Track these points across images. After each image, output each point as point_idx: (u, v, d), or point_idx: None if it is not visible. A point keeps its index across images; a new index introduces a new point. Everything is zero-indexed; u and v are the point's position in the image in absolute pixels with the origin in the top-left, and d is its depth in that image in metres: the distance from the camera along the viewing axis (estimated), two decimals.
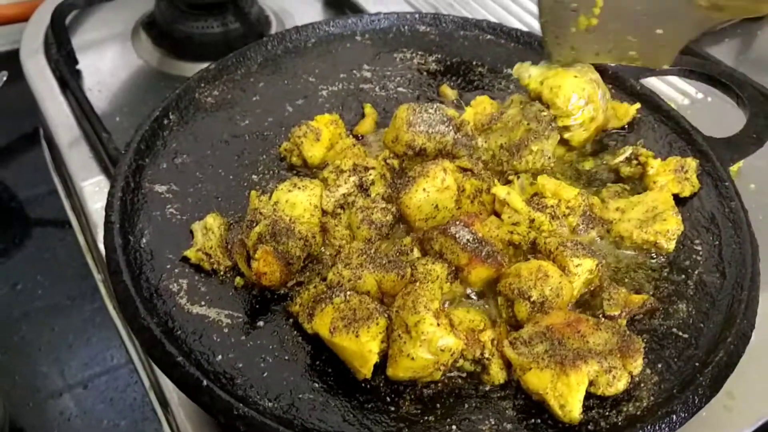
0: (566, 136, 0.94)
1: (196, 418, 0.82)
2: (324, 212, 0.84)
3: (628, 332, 0.70)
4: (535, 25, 1.41)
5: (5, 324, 1.14)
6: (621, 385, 0.67)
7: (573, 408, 0.65)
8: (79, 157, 1.13)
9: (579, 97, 0.92)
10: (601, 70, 1.06)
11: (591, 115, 0.93)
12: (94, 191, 1.06)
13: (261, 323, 0.75)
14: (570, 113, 0.93)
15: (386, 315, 0.71)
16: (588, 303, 0.78)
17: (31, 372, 1.08)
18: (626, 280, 0.81)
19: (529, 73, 0.97)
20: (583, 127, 0.94)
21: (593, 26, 0.87)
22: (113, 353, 1.10)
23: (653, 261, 0.83)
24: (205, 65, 1.18)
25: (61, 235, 1.30)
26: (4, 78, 1.30)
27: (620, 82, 1.05)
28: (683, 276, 0.81)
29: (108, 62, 1.33)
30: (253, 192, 0.82)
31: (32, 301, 1.17)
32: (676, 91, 1.30)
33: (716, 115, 1.24)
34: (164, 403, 0.94)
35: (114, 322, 1.12)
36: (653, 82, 1.27)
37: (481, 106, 0.97)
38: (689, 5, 0.79)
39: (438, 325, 0.68)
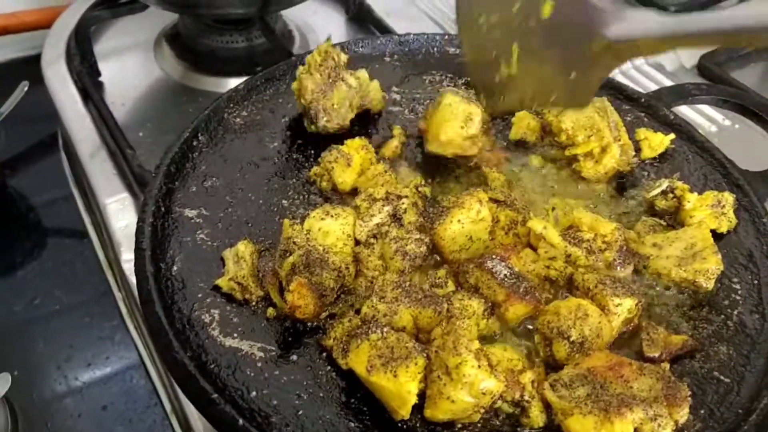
0: (575, 166, 0.94)
1: None
2: (357, 242, 0.83)
3: (672, 378, 0.68)
4: None
5: (23, 340, 1.12)
6: None
7: None
8: (101, 172, 1.12)
9: (582, 125, 0.92)
10: (633, 98, 1.06)
11: (600, 145, 0.92)
12: (118, 209, 1.05)
13: (294, 357, 0.73)
14: (575, 141, 0.93)
15: (425, 354, 0.69)
16: (626, 343, 0.77)
17: (49, 390, 1.07)
18: (663, 319, 0.80)
19: (549, 110, 0.98)
20: (594, 158, 0.93)
21: (513, 75, 0.87)
22: (132, 373, 1.08)
23: (691, 299, 0.81)
24: (228, 80, 1.18)
25: (79, 247, 1.28)
26: (25, 88, 1.29)
27: (653, 111, 1.04)
28: (722, 316, 0.79)
29: (130, 74, 1.31)
30: (286, 220, 0.81)
31: (50, 317, 1.15)
32: (703, 117, 1.29)
33: (745, 143, 1.22)
34: (187, 429, 0.93)
35: (133, 340, 1.10)
36: (681, 109, 1.26)
37: (524, 121, 0.96)
38: (589, 53, 0.79)
39: (479, 366, 0.66)
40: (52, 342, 1.13)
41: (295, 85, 0.97)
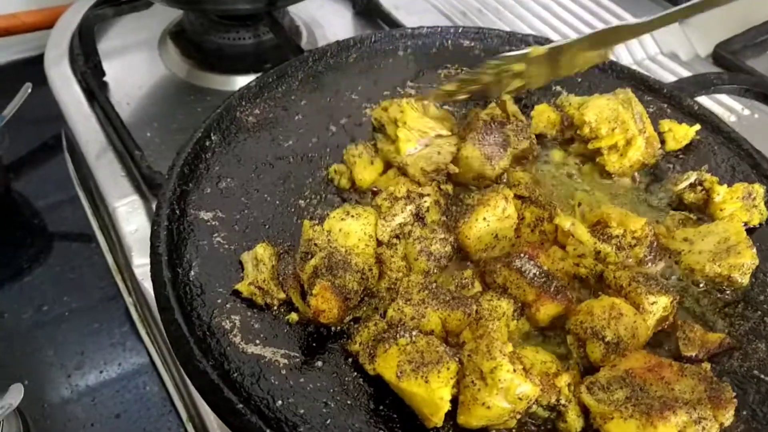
0: (599, 160, 0.91)
1: None
2: (379, 242, 0.80)
3: (715, 379, 0.66)
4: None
5: (32, 347, 1.10)
6: None
7: None
8: (109, 174, 1.09)
9: (606, 117, 0.89)
10: (655, 89, 1.03)
11: (624, 138, 0.89)
12: (128, 212, 1.02)
13: (319, 363, 0.71)
14: (599, 134, 0.90)
15: (456, 358, 0.67)
16: (661, 342, 0.74)
17: (61, 400, 1.04)
18: (697, 316, 0.77)
19: (570, 102, 0.96)
20: (619, 151, 0.90)
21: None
22: (145, 380, 1.05)
23: (725, 295, 0.79)
24: (236, 78, 1.15)
25: (86, 252, 1.25)
26: (29, 90, 1.26)
27: (676, 101, 1.01)
28: (759, 312, 0.77)
29: (135, 73, 1.28)
30: (306, 222, 0.78)
31: (59, 324, 1.13)
32: (722, 107, 1.26)
33: (765, 131, 1.20)
34: None
35: (145, 346, 1.08)
36: (700, 99, 1.23)
37: (544, 115, 0.93)
38: None
39: (515, 371, 0.64)
40: (62, 349, 1.11)
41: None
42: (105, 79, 1.25)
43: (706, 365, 0.69)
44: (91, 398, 1.03)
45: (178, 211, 0.81)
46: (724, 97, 1.27)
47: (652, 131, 0.92)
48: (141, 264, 0.96)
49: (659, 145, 0.92)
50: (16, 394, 0.87)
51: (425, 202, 0.83)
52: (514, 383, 0.63)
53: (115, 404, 1.03)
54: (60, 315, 1.14)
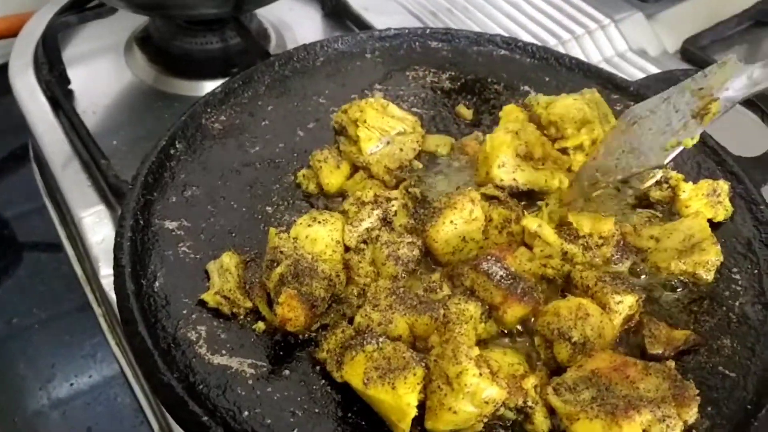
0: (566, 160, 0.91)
1: None
2: (346, 248, 0.80)
3: (679, 377, 0.66)
4: (547, 39, 1.38)
5: (3, 360, 1.08)
6: None
7: None
8: (74, 184, 1.07)
9: (572, 117, 0.89)
10: (622, 87, 1.03)
11: (590, 138, 0.89)
12: (94, 222, 1.01)
13: (286, 372, 0.70)
14: (565, 134, 0.90)
15: (423, 364, 0.66)
16: (627, 340, 0.74)
17: (31, 412, 1.03)
18: (663, 313, 0.78)
19: (537, 101, 0.96)
20: (585, 151, 0.90)
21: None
22: (116, 391, 1.04)
23: (691, 292, 0.79)
24: (204, 83, 1.14)
25: (54, 262, 1.24)
26: None
27: (642, 99, 1.01)
28: (724, 308, 0.78)
29: (101, 80, 1.27)
30: (272, 229, 0.78)
31: (30, 336, 1.11)
32: None
33: (735, 130, 1.19)
34: None
35: (116, 357, 1.06)
36: None
37: (512, 115, 0.94)
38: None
39: (480, 375, 0.64)
40: (32, 362, 1.09)
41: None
42: (71, 87, 1.23)
43: (671, 363, 0.69)
44: (62, 411, 1.02)
45: (142, 222, 0.80)
46: None
47: None
48: (108, 275, 0.94)
49: None
50: None
51: (392, 206, 0.83)
52: (480, 387, 0.63)
53: (86, 416, 1.02)
54: (30, 327, 1.13)
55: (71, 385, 1.05)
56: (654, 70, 1.31)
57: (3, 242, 1.29)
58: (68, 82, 1.22)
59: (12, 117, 1.28)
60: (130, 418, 1.01)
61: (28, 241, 1.30)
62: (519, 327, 0.75)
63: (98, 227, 0.99)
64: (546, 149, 0.87)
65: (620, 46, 1.40)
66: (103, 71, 1.29)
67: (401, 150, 0.87)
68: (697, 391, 0.65)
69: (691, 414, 0.64)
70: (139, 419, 1.00)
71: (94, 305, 1.10)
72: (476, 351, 0.66)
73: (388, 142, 0.88)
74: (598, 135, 0.88)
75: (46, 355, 1.09)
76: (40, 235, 1.29)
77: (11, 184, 1.44)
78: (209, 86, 1.06)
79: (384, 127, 0.88)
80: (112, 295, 0.94)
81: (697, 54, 1.39)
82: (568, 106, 0.89)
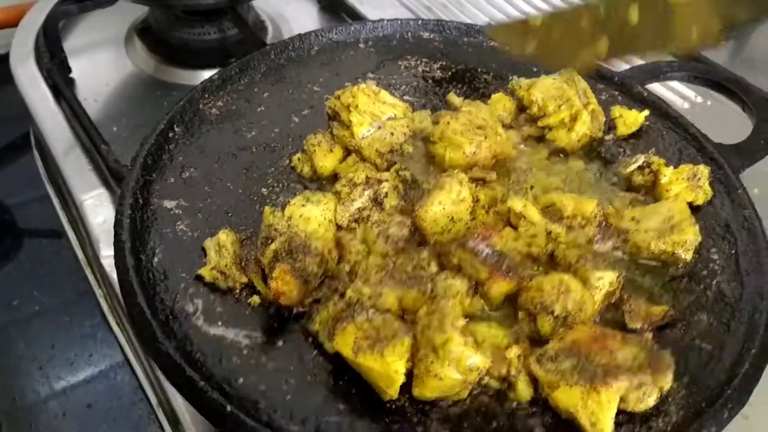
0: (550, 137, 0.95)
1: None
2: (338, 227, 0.83)
3: (656, 347, 0.69)
4: None
5: (2, 342, 1.11)
6: (651, 401, 0.67)
7: (604, 426, 0.65)
8: (76, 169, 1.10)
9: (552, 95, 0.93)
10: (607, 77, 1.07)
11: (570, 113, 0.94)
12: (95, 205, 1.03)
13: (280, 343, 0.73)
14: (546, 112, 0.95)
15: (411, 333, 0.69)
16: (609, 316, 0.77)
17: (32, 391, 1.05)
18: (644, 291, 0.81)
19: (520, 85, 1.00)
20: (567, 126, 0.94)
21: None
22: (116, 370, 1.07)
23: (670, 271, 0.82)
24: (202, 72, 1.17)
25: (55, 247, 1.26)
26: None
27: (627, 89, 1.05)
28: (702, 286, 0.81)
29: (101, 70, 1.29)
30: (267, 208, 0.81)
31: (30, 318, 1.14)
32: (675, 95, 1.30)
33: (717, 119, 1.24)
34: (174, 422, 0.92)
35: (116, 337, 1.09)
36: (653, 86, 1.27)
37: (500, 103, 0.97)
38: None
39: (465, 343, 0.67)
40: (33, 343, 1.12)
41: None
42: (72, 76, 1.26)
43: (648, 335, 0.72)
44: (62, 389, 1.05)
45: (141, 200, 0.83)
46: (678, 85, 1.31)
47: (597, 105, 0.96)
48: (108, 255, 0.97)
49: (604, 118, 0.97)
50: None
51: (383, 188, 0.85)
52: (464, 355, 0.66)
53: (86, 394, 1.04)
54: (30, 309, 1.15)
55: (71, 364, 1.08)
56: (640, 62, 1.34)
57: (4, 228, 1.31)
58: (69, 70, 1.24)
59: (13, 107, 1.31)
60: (129, 396, 1.03)
61: (29, 227, 1.33)
62: (503, 303, 0.78)
63: (99, 209, 1.02)
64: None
65: None
66: (103, 61, 1.32)
67: (392, 134, 0.90)
68: (673, 360, 0.68)
69: (667, 381, 0.67)
70: (139, 396, 1.03)
71: (95, 287, 1.13)
72: (462, 321, 0.69)
73: (380, 127, 0.91)
74: (578, 110, 0.92)
75: (47, 337, 1.12)
76: (42, 222, 1.32)
77: (13, 173, 1.46)
78: (207, 76, 1.08)
79: (375, 112, 0.91)
80: (113, 276, 0.97)
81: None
82: (547, 85, 0.93)
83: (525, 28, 0.78)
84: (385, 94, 0.94)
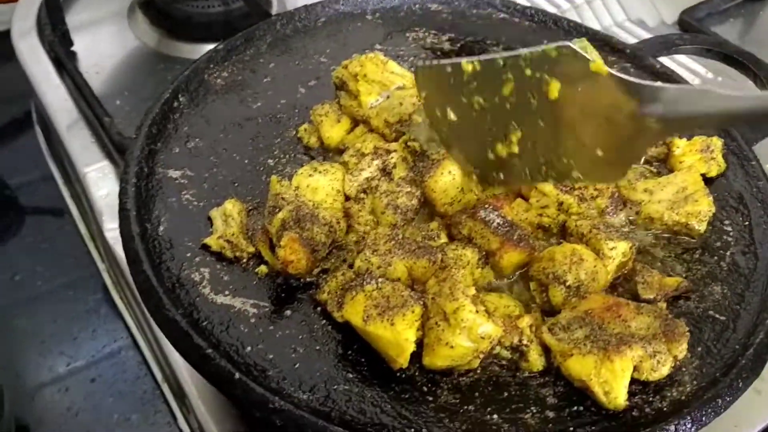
0: None
1: (217, 411, 0.80)
2: (347, 197, 0.82)
3: (670, 316, 0.68)
4: (543, 5, 1.40)
5: (5, 316, 1.09)
6: (665, 370, 0.66)
7: (618, 394, 0.64)
8: (79, 142, 1.08)
9: None
10: (618, 49, 1.05)
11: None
12: (98, 177, 1.02)
13: (288, 312, 0.72)
14: None
15: (421, 302, 0.68)
16: (621, 287, 0.76)
17: (35, 366, 1.04)
18: (657, 262, 0.79)
19: None
20: None
21: (516, 153, 0.72)
22: (120, 344, 1.06)
23: (684, 243, 0.81)
24: (206, 46, 1.15)
25: (58, 223, 1.25)
26: None
27: (639, 61, 1.03)
28: (715, 257, 0.80)
29: (104, 43, 1.28)
30: (273, 177, 0.79)
31: (33, 293, 1.12)
32: (687, 71, 1.28)
33: None
34: (180, 396, 0.92)
35: (120, 312, 1.08)
36: (664, 62, 1.25)
37: None
38: (638, 130, 0.65)
39: (477, 311, 0.66)
40: (36, 319, 1.10)
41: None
42: (74, 49, 1.24)
43: (662, 304, 0.71)
44: (65, 364, 1.04)
45: (146, 170, 0.82)
46: (689, 61, 1.30)
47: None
48: (112, 228, 0.96)
49: None
50: None
51: (392, 158, 0.84)
52: (476, 323, 0.65)
53: (90, 369, 1.03)
54: (33, 285, 1.14)
55: (74, 339, 1.07)
56: (650, 35, 1.32)
57: (6, 204, 1.30)
58: (71, 43, 1.23)
59: (14, 84, 1.29)
60: (134, 370, 1.02)
61: (32, 204, 1.31)
62: (514, 275, 0.77)
63: (102, 182, 1.01)
64: None
65: (619, 16, 1.42)
66: (106, 35, 1.30)
67: (401, 104, 0.89)
68: (687, 328, 0.67)
69: (681, 350, 0.66)
70: (143, 371, 1.02)
71: (98, 261, 1.12)
72: (473, 290, 0.68)
73: (388, 97, 0.89)
74: None
75: (49, 311, 1.11)
76: (44, 199, 1.30)
77: (14, 151, 1.44)
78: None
79: (384, 82, 0.89)
80: (117, 249, 0.96)
81: (694, 25, 1.40)
82: None
83: (457, 73, 0.71)
84: (393, 64, 0.92)
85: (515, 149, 0.73)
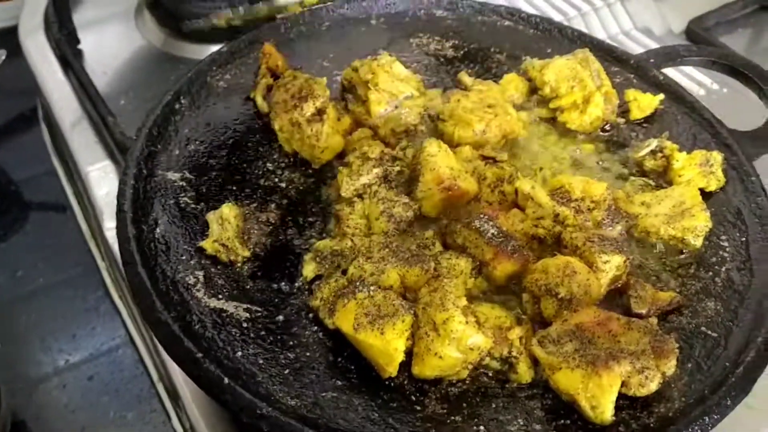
0: (561, 119, 0.94)
1: (209, 413, 0.80)
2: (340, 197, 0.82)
3: (660, 332, 0.68)
4: (550, 12, 1.39)
5: (6, 313, 1.11)
6: (653, 386, 0.65)
7: (605, 409, 0.64)
8: (83, 141, 1.09)
9: (565, 76, 0.92)
10: (622, 59, 1.04)
11: (583, 95, 0.92)
12: (100, 176, 1.03)
13: (280, 318, 0.73)
14: (559, 93, 0.93)
15: (411, 311, 0.68)
16: (614, 300, 0.76)
17: (33, 363, 1.05)
18: (652, 276, 0.79)
19: (533, 66, 0.98)
20: (579, 108, 0.92)
21: None
22: (118, 343, 1.07)
23: (679, 257, 0.81)
24: (211, 47, 1.15)
25: (61, 219, 1.26)
26: (3, 57, 1.26)
27: (643, 72, 1.02)
28: (710, 273, 0.79)
29: (111, 42, 1.29)
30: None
31: (33, 289, 1.14)
32: (692, 81, 1.28)
33: (733, 106, 1.21)
34: (174, 396, 0.92)
35: (119, 310, 1.09)
36: (669, 73, 1.25)
37: (512, 84, 0.95)
38: None
39: (467, 322, 0.66)
40: (35, 315, 1.12)
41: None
42: (81, 47, 1.25)
43: (653, 320, 0.71)
44: (64, 361, 1.05)
45: (145, 171, 0.82)
46: (694, 72, 1.29)
47: (611, 88, 0.94)
48: (112, 227, 0.96)
49: (617, 101, 0.95)
50: None
51: (396, 166, 0.84)
52: (465, 334, 0.65)
53: (87, 367, 1.05)
54: (34, 281, 1.15)
55: (73, 336, 1.08)
56: (655, 46, 1.31)
57: (10, 200, 1.31)
58: (78, 41, 1.24)
59: (21, 80, 1.30)
60: (130, 369, 1.03)
61: (35, 200, 1.33)
62: (507, 286, 0.77)
63: (104, 181, 1.02)
64: None
65: (625, 24, 1.41)
66: (113, 35, 1.31)
67: (408, 115, 0.89)
68: (677, 345, 0.67)
69: (670, 366, 0.66)
70: (140, 370, 1.03)
71: (98, 260, 1.13)
72: (463, 301, 0.68)
73: (396, 107, 0.89)
74: (591, 91, 0.90)
75: (49, 308, 1.12)
76: (47, 195, 1.32)
77: (20, 147, 1.45)
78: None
79: (393, 91, 0.90)
80: (116, 249, 0.96)
81: (701, 34, 1.39)
82: (560, 66, 0.91)
83: None
84: (398, 67, 0.92)
85: None
